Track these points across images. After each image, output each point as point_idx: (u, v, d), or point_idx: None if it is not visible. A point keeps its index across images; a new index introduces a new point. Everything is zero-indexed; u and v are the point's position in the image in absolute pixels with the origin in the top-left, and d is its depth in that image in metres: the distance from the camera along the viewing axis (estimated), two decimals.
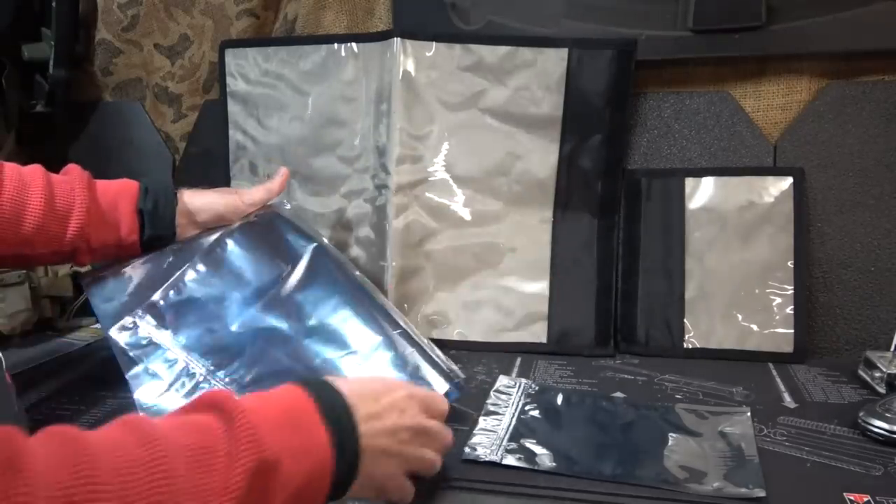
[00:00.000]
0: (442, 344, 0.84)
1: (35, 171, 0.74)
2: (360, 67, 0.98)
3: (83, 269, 0.94)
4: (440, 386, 0.70)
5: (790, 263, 0.91)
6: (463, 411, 0.74)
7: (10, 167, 0.73)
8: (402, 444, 0.55)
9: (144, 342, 0.74)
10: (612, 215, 0.96)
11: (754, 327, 0.91)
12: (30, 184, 0.72)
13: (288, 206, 0.93)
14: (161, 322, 0.75)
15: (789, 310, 0.90)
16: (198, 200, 0.83)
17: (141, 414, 0.45)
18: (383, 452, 0.54)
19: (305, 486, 0.47)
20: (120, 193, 0.79)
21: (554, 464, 0.64)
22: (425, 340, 0.76)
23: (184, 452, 0.41)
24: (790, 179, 0.92)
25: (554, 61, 0.93)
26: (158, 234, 0.80)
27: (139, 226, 0.79)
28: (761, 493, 0.58)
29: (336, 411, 0.50)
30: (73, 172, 0.78)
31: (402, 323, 0.76)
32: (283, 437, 0.46)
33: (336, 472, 0.49)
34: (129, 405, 0.71)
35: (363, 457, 0.51)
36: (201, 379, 0.71)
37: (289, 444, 0.46)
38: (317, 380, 0.53)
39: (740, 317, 0.91)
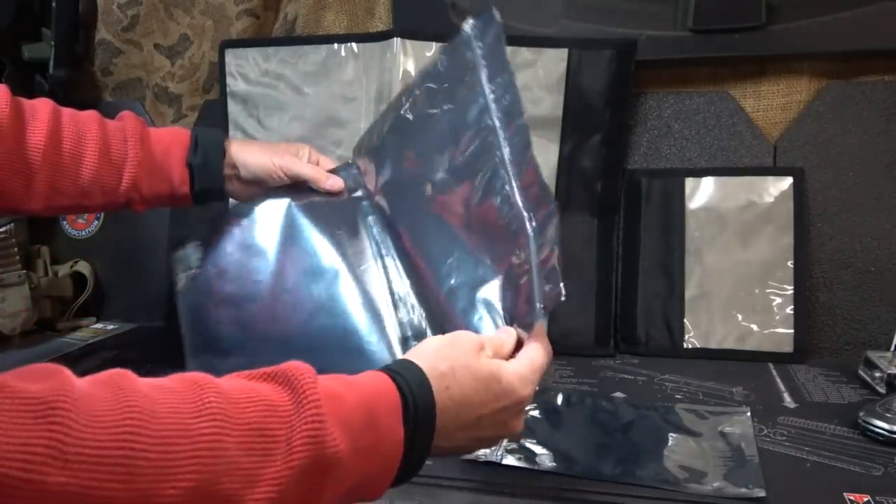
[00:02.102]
0: None
1: (91, 119, 0.75)
2: (360, 67, 0.98)
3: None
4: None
5: (790, 263, 0.91)
6: None
7: (69, 115, 0.74)
8: (483, 442, 0.52)
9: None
10: (611, 215, 0.96)
11: (754, 327, 0.91)
12: (86, 135, 0.74)
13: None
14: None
15: (789, 310, 0.90)
16: (242, 157, 0.80)
17: (207, 375, 0.41)
18: (460, 449, 0.51)
19: (364, 483, 0.44)
20: (171, 145, 0.79)
21: (554, 464, 0.64)
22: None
23: (239, 430, 0.39)
24: (790, 179, 0.92)
25: (554, 61, 0.93)
26: (207, 188, 0.79)
27: (190, 178, 0.79)
28: (761, 493, 0.58)
29: (419, 411, 0.46)
30: (128, 121, 0.78)
31: None
32: (354, 435, 0.42)
33: (400, 472, 0.46)
34: None
35: (434, 454, 0.48)
36: None
37: (358, 443, 0.43)
38: (411, 370, 0.48)
39: (740, 317, 0.91)
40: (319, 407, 0.41)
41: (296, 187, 0.80)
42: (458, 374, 0.49)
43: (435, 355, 0.50)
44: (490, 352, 0.52)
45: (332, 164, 0.82)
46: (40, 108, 0.73)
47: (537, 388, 0.53)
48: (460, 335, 0.53)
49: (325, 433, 0.41)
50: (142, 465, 0.35)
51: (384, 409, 0.45)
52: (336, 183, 0.79)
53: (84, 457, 0.33)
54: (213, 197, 0.80)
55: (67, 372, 0.36)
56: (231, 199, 0.85)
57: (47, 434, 0.33)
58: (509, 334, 0.56)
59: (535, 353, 0.54)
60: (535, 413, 0.74)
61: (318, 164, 0.81)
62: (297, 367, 0.44)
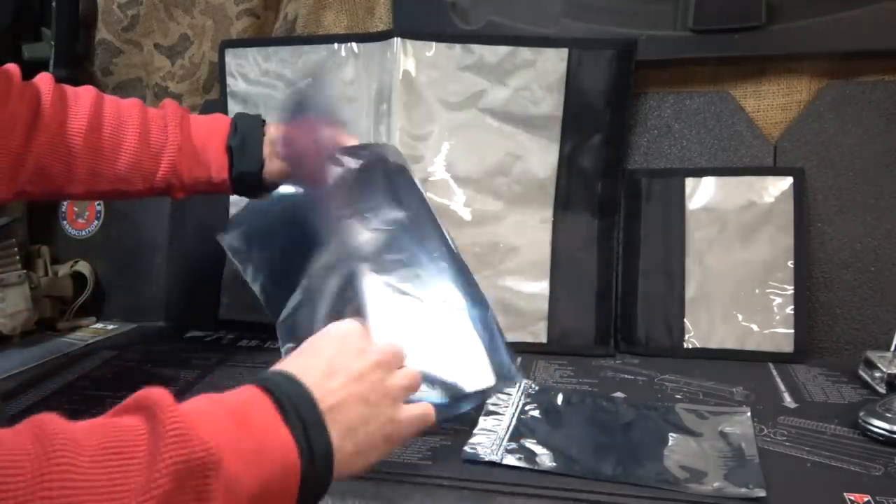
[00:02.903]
0: None
1: (133, 106, 0.77)
2: (360, 67, 0.98)
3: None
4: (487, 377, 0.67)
5: (790, 263, 0.91)
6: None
7: (111, 101, 0.76)
8: (374, 407, 0.50)
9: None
10: (612, 215, 0.96)
11: (754, 327, 0.91)
12: (126, 121, 0.75)
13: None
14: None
15: (789, 310, 0.90)
16: (278, 133, 0.80)
17: (52, 414, 0.39)
18: (358, 414, 0.49)
19: (267, 490, 0.42)
20: (212, 131, 0.80)
21: (554, 464, 0.64)
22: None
23: (89, 451, 0.37)
24: (790, 179, 0.92)
25: (554, 61, 0.93)
26: (245, 171, 0.79)
27: (229, 164, 0.79)
28: (761, 493, 0.58)
29: (294, 402, 0.45)
30: (169, 108, 0.79)
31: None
32: (227, 438, 0.41)
33: (304, 472, 0.44)
34: None
35: (340, 442, 0.46)
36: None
37: (236, 446, 0.41)
38: (272, 372, 0.48)
39: (740, 317, 0.91)
40: (178, 416, 0.40)
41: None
42: (304, 346, 0.52)
43: (285, 362, 0.51)
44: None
45: (355, 141, 0.82)
46: (83, 95, 0.74)
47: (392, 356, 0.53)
48: (325, 330, 0.54)
49: (189, 436, 0.39)
50: None
51: (255, 408, 0.44)
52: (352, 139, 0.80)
53: None
54: (252, 182, 0.80)
55: None
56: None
57: None
58: None
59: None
60: (535, 413, 0.74)
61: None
62: (147, 392, 0.42)
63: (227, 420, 0.42)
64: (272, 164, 0.80)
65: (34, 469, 0.35)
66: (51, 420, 0.38)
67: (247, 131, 0.80)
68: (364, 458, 0.49)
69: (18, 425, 0.38)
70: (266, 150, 0.80)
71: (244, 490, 0.41)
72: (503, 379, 0.68)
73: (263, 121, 0.81)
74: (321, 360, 0.50)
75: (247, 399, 0.45)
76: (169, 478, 0.37)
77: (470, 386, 0.66)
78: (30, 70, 1.06)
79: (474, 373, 0.66)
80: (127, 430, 0.39)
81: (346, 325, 0.54)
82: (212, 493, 0.39)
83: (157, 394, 0.41)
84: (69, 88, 0.74)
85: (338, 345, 0.52)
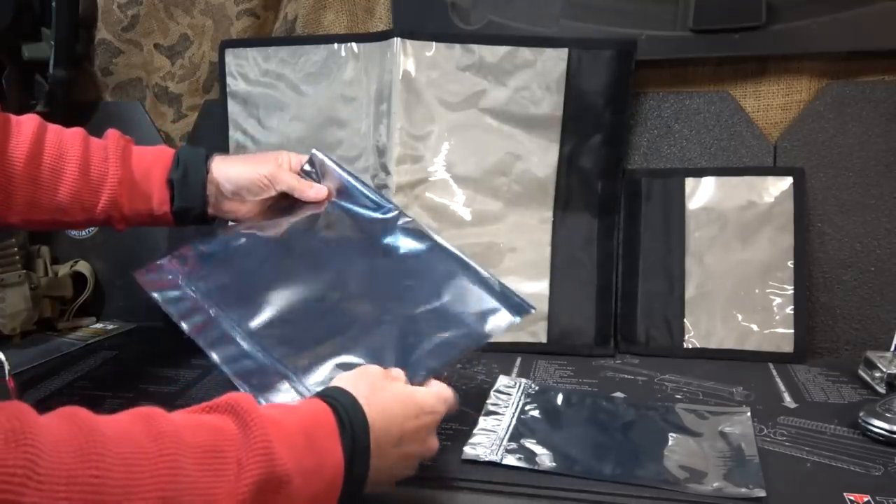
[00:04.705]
0: None
1: (75, 137, 0.75)
2: (360, 67, 0.98)
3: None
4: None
5: (790, 263, 0.91)
6: (463, 411, 0.74)
7: (54, 131, 0.75)
8: (410, 459, 0.56)
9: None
10: (612, 215, 0.96)
11: (754, 327, 0.91)
12: (67, 152, 0.74)
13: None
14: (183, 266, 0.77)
15: (789, 310, 0.90)
16: (224, 171, 0.79)
17: (156, 408, 0.44)
18: (392, 468, 0.55)
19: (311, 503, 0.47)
20: (154, 163, 0.78)
21: (554, 464, 0.64)
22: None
23: (194, 451, 0.41)
24: (790, 179, 0.92)
25: (554, 61, 0.93)
26: (187, 206, 0.78)
27: (170, 197, 0.78)
28: (761, 493, 0.58)
29: (355, 430, 0.50)
30: (111, 139, 0.78)
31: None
32: (298, 456, 0.45)
33: (343, 493, 0.49)
34: (130, 405, 0.71)
35: (371, 474, 0.51)
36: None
37: (303, 463, 0.46)
38: (342, 394, 0.53)
39: (740, 317, 0.91)
40: (265, 428, 0.44)
41: (275, 207, 0.81)
42: (379, 395, 0.54)
43: (354, 382, 0.55)
44: (397, 378, 0.59)
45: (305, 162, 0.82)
46: (25, 123, 0.73)
47: (443, 416, 0.59)
48: (367, 367, 0.59)
49: (273, 452, 0.44)
50: (108, 485, 0.37)
51: (322, 430, 0.49)
52: (320, 192, 0.80)
53: (55, 478, 0.35)
54: (194, 216, 0.80)
55: (24, 405, 0.38)
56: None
57: (22, 457, 0.34)
58: (400, 372, 0.61)
59: (440, 387, 0.60)
60: (535, 413, 0.74)
61: (292, 165, 0.81)
62: (238, 396, 0.47)
63: (299, 436, 0.47)
64: (217, 203, 0.80)
65: (149, 469, 0.39)
66: (158, 414, 0.43)
67: (189, 165, 0.78)
68: (380, 488, 0.55)
69: (126, 414, 0.42)
70: (210, 187, 0.79)
71: (299, 501, 0.46)
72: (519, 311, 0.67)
73: (208, 155, 0.80)
74: (385, 402, 0.54)
75: (316, 413, 0.50)
76: (250, 488, 0.42)
77: (493, 328, 0.67)
78: (30, 70, 1.06)
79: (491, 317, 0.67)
80: (221, 431, 0.44)
81: (414, 393, 0.58)
82: None
83: (245, 399, 0.47)
84: (13, 116, 0.73)
85: (403, 401, 0.56)
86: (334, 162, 0.82)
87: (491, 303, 0.67)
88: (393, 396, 0.55)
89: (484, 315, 0.66)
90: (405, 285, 0.71)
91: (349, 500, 0.50)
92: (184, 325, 0.71)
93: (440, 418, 0.58)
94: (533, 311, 0.67)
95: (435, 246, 0.73)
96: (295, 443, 0.46)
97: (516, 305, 0.67)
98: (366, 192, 0.79)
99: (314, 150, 0.83)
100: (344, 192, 0.80)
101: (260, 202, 0.80)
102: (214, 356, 0.68)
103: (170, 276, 0.77)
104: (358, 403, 0.52)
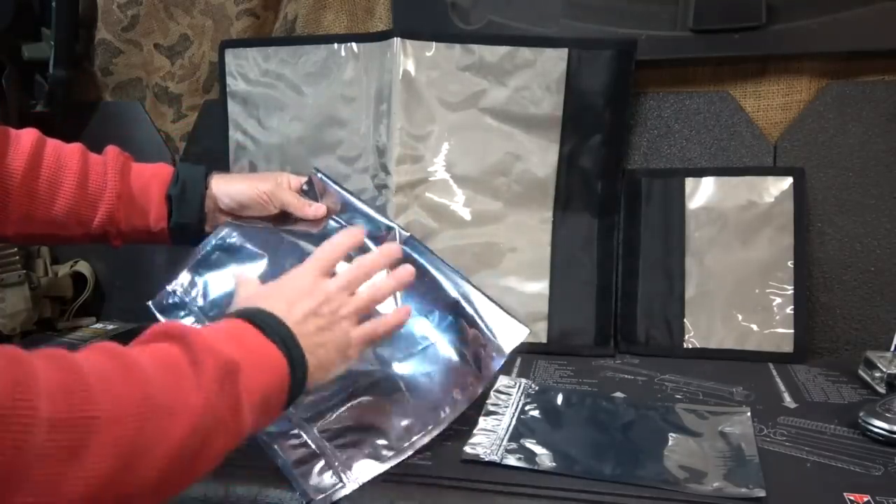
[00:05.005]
0: None
1: (74, 151, 0.75)
2: (360, 67, 0.98)
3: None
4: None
5: (790, 263, 0.91)
6: (463, 411, 0.74)
7: (52, 146, 0.74)
8: (328, 319, 0.59)
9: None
10: (612, 215, 0.96)
11: (754, 327, 0.91)
12: (66, 165, 0.74)
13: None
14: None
15: (789, 310, 0.90)
16: (224, 187, 0.79)
17: (114, 344, 0.48)
18: (317, 336, 0.58)
19: (269, 396, 0.52)
20: (152, 179, 0.78)
21: (554, 464, 0.64)
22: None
23: (152, 365, 0.46)
24: (790, 179, 0.92)
25: (554, 61, 0.93)
26: (184, 222, 0.78)
27: (167, 213, 0.78)
28: (761, 493, 0.58)
29: (272, 326, 0.55)
30: (110, 155, 0.77)
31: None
32: (236, 348, 0.50)
33: (292, 380, 0.54)
34: None
35: (308, 356, 0.56)
36: None
37: (244, 354, 0.51)
38: (243, 308, 0.57)
39: (740, 317, 0.91)
40: (200, 335, 0.50)
41: (276, 218, 0.81)
42: (273, 291, 0.61)
43: (247, 297, 0.61)
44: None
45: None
46: (24, 136, 0.73)
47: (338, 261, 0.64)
48: (245, 278, 0.67)
49: (214, 346, 0.49)
50: (155, 402, 0.44)
51: (245, 332, 0.54)
52: (318, 210, 0.80)
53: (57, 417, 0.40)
54: (191, 233, 0.79)
55: (20, 351, 0.42)
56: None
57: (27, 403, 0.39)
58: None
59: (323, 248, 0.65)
60: (535, 413, 0.74)
61: (291, 185, 0.83)
62: (165, 324, 0.54)
63: (231, 341, 0.52)
64: (215, 219, 0.80)
65: (120, 381, 0.44)
66: (120, 351, 0.47)
67: (188, 181, 0.78)
68: (325, 371, 0.59)
69: (89, 351, 0.46)
70: (209, 203, 0.79)
71: (255, 395, 0.50)
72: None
73: (208, 172, 0.80)
74: (281, 301, 0.58)
75: (236, 326, 0.54)
76: (213, 381, 0.47)
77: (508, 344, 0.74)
78: (30, 70, 1.06)
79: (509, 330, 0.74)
80: (166, 350, 0.49)
81: (299, 269, 0.63)
82: (240, 394, 0.49)
83: (172, 324, 0.52)
84: (11, 130, 0.73)
85: (292, 283, 0.61)
86: (333, 181, 0.83)
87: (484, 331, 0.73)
88: (280, 286, 0.61)
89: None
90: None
91: (301, 382, 0.55)
92: None
93: (339, 290, 0.61)
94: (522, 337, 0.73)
95: (429, 269, 0.75)
96: (230, 341, 0.51)
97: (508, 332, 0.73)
98: (365, 210, 0.80)
99: (312, 170, 0.84)
100: (343, 210, 0.81)
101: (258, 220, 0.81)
102: None
103: (178, 300, 0.78)
104: (259, 307, 0.57)
